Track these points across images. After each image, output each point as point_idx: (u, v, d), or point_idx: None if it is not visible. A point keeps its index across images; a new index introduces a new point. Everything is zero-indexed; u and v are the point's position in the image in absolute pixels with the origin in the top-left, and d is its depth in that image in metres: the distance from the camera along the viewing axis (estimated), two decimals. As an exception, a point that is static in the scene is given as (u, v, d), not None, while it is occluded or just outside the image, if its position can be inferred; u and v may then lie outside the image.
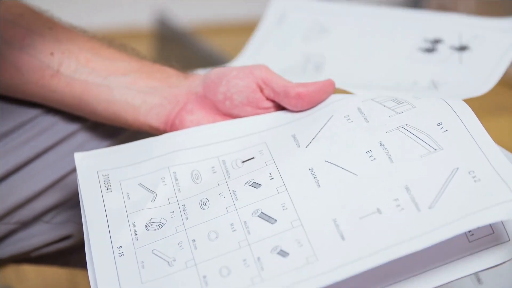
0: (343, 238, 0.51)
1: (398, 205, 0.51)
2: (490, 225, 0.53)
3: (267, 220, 0.54)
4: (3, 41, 0.64)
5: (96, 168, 0.60)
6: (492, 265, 0.52)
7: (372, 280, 0.53)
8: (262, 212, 0.55)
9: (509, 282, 0.61)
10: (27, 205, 0.69)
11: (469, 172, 0.52)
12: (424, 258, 0.53)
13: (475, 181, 0.51)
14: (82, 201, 0.58)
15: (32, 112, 0.68)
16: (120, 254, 0.54)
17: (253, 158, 0.59)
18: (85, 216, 0.57)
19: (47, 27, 0.65)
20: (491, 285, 0.61)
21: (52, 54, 0.64)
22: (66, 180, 0.69)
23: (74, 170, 0.68)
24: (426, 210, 0.50)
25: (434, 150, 0.54)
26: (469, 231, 0.53)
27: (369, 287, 0.52)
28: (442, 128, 0.55)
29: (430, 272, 0.52)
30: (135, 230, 0.56)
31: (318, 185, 0.55)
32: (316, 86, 0.61)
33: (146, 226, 0.56)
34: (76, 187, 0.64)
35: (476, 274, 0.62)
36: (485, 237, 0.53)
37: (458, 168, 0.52)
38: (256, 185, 0.57)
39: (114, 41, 0.68)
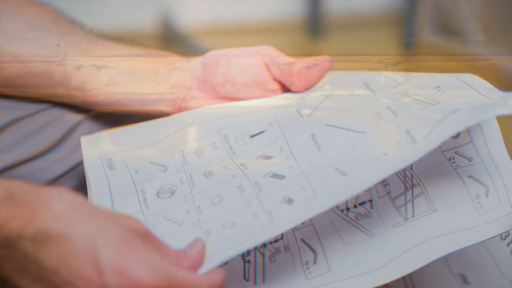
0: (344, 174, 0.53)
1: (400, 146, 0.53)
2: (498, 197, 0.56)
3: (278, 178, 0.56)
4: (1, 34, 0.63)
5: (100, 154, 0.61)
6: (499, 232, 0.55)
7: None
8: (273, 173, 0.57)
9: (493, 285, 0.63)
10: None
11: (471, 108, 0.54)
12: (435, 230, 0.55)
13: (476, 109, 0.54)
14: (88, 179, 0.59)
15: (33, 107, 0.68)
16: None
17: (263, 131, 0.61)
18: (91, 194, 0.58)
19: (52, 21, 0.65)
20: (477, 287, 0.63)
21: (58, 45, 0.64)
22: (72, 174, 0.69)
23: (79, 165, 0.68)
24: (422, 140, 0.53)
25: (432, 104, 0.56)
26: (479, 203, 0.56)
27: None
28: (440, 90, 0.58)
29: (440, 239, 0.55)
30: (144, 199, 0.57)
31: (319, 149, 0.57)
32: (314, 62, 0.62)
33: (157, 193, 0.58)
34: (81, 183, 0.65)
35: (462, 276, 0.64)
36: (494, 209, 0.56)
37: (459, 109, 0.54)
38: (268, 158, 0.59)
39: (109, 35, 0.68)
